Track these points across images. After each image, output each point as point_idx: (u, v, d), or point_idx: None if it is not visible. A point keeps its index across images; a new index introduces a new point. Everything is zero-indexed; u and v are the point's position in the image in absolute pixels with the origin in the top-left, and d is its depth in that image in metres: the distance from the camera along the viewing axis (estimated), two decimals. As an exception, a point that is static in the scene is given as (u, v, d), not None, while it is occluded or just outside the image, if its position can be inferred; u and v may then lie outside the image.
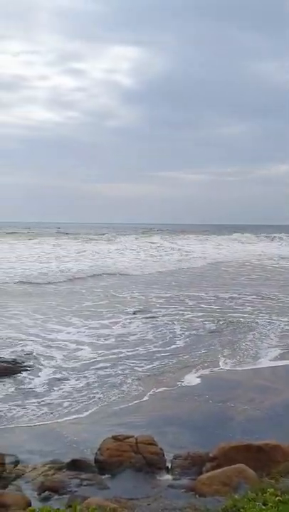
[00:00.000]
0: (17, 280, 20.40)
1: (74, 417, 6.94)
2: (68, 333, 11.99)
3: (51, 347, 10.63)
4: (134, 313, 14.34)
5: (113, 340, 11.39)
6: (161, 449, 5.47)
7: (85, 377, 8.70)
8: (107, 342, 11.19)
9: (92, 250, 37.27)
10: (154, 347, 10.78)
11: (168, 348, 10.66)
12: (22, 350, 10.25)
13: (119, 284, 20.94)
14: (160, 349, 10.60)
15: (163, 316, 14.00)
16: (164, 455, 5.44)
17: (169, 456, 5.49)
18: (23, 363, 9.31)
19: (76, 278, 22.23)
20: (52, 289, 19.16)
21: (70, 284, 20.69)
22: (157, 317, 13.82)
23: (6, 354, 9.80)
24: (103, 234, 62.18)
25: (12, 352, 10.04)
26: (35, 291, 18.25)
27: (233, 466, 4.67)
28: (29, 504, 4.15)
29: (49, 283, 20.40)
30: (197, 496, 4.51)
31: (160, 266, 28.87)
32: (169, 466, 5.33)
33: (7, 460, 5.07)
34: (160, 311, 14.72)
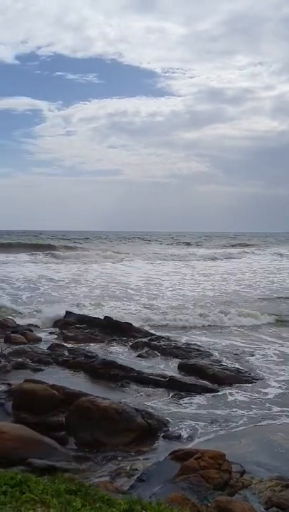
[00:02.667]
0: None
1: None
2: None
3: (274, 360, 10.42)
4: None
5: None
6: None
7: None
8: None
9: None
10: None
11: None
12: (245, 360, 10.31)
13: None
14: None
15: None
16: None
17: None
18: (246, 372, 9.33)
19: None
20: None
21: None
22: None
23: (230, 363, 10.01)
24: None
25: (235, 361, 10.19)
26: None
27: None
28: (257, 517, 4.09)
29: None
30: None
31: None
32: None
33: (234, 468, 5.11)
34: None
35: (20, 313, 14.86)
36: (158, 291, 20.12)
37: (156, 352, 10.82)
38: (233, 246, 61.18)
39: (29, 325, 13.20)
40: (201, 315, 14.59)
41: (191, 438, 6.45)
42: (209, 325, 13.90)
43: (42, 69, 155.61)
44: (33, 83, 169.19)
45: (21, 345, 10.76)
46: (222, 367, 9.48)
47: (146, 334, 12.42)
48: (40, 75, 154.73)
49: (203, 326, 13.84)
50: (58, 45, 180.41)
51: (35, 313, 14.79)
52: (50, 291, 19.36)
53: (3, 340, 11.45)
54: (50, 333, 12.82)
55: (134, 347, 11.27)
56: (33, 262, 32.23)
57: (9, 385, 7.92)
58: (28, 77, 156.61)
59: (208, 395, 8.18)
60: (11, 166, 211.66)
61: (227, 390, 8.40)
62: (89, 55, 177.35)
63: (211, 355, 10.57)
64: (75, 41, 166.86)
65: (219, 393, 8.27)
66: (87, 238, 72.80)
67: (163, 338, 12.08)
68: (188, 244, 66.69)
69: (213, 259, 39.75)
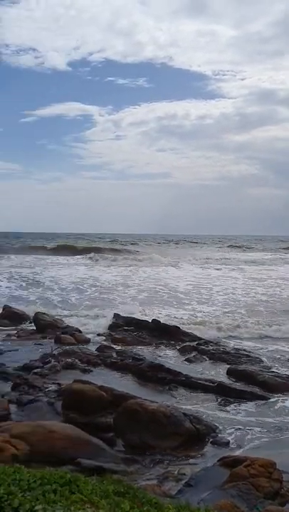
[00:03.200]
0: None
1: None
2: None
3: None
4: None
5: None
6: None
7: None
8: None
9: None
10: None
11: None
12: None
13: None
14: None
15: None
16: None
17: None
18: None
19: None
20: None
21: None
22: None
23: (281, 369, 9.76)
24: None
25: (287, 368, 9.92)
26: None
27: None
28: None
29: None
30: None
31: None
32: None
33: (284, 478, 4.95)
34: None
35: (69, 314, 15.13)
36: (208, 295, 19.83)
37: (204, 356, 10.71)
38: (285, 249, 59.65)
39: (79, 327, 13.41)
40: (254, 323, 14.23)
41: (239, 445, 6.32)
42: (261, 334, 13.52)
43: (93, 74, 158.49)
44: (85, 89, 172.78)
45: (70, 346, 10.94)
46: (273, 373, 9.23)
47: (194, 338, 12.32)
48: (91, 81, 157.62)
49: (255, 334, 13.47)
50: (108, 51, 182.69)
51: (83, 314, 15.02)
52: (98, 294, 19.60)
53: (53, 340, 11.68)
54: (99, 334, 12.96)
55: (182, 351, 11.20)
56: (82, 265, 32.79)
57: (59, 384, 8.07)
58: (80, 83, 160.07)
59: (258, 401, 7.99)
60: (62, 170, 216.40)
61: (278, 398, 8.18)
62: (139, 59, 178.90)
63: (261, 361, 10.33)
64: (126, 46, 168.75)
65: (270, 400, 8.06)
66: (135, 241, 73.29)
67: (211, 342, 11.94)
68: (238, 247, 65.72)
69: (265, 263, 38.83)
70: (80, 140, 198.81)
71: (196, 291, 20.66)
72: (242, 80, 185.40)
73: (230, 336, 13.08)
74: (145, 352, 11.08)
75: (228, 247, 66.51)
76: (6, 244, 54.77)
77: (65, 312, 15.48)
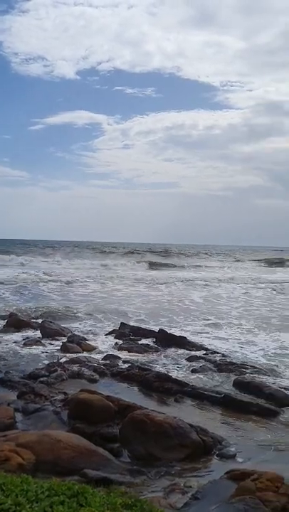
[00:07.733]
0: None
1: None
2: None
3: None
4: None
5: None
6: None
7: None
8: None
9: None
10: None
11: None
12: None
13: None
14: None
15: None
16: None
17: None
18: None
19: None
20: None
21: None
22: None
23: None
24: None
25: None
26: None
27: None
28: None
29: None
30: None
31: None
32: None
33: (293, 493, 4.88)
34: None
35: (75, 323, 15.13)
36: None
37: (211, 367, 10.63)
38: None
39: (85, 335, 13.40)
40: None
41: (246, 458, 6.23)
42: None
43: (101, 83, 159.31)
44: (93, 97, 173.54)
45: (77, 355, 10.92)
46: (282, 386, 9.14)
47: (201, 348, 12.26)
48: (99, 90, 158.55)
49: None
50: (117, 61, 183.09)
51: (90, 323, 15.02)
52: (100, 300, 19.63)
53: (59, 348, 11.68)
54: (105, 343, 12.93)
55: (189, 361, 11.14)
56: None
57: (65, 393, 8.06)
58: (88, 92, 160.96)
59: (265, 414, 7.91)
60: (70, 178, 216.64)
61: (286, 410, 8.09)
62: (147, 69, 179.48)
63: (271, 373, 10.24)
64: (134, 56, 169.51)
65: (278, 413, 7.97)
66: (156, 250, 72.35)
67: (218, 353, 11.87)
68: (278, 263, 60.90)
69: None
70: (89, 149, 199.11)
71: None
72: (250, 91, 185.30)
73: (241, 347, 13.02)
74: (152, 362, 11.03)
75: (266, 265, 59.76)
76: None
77: (71, 321, 15.48)
